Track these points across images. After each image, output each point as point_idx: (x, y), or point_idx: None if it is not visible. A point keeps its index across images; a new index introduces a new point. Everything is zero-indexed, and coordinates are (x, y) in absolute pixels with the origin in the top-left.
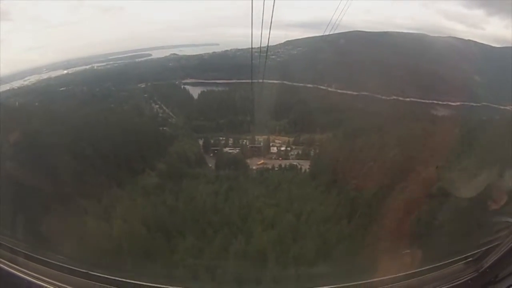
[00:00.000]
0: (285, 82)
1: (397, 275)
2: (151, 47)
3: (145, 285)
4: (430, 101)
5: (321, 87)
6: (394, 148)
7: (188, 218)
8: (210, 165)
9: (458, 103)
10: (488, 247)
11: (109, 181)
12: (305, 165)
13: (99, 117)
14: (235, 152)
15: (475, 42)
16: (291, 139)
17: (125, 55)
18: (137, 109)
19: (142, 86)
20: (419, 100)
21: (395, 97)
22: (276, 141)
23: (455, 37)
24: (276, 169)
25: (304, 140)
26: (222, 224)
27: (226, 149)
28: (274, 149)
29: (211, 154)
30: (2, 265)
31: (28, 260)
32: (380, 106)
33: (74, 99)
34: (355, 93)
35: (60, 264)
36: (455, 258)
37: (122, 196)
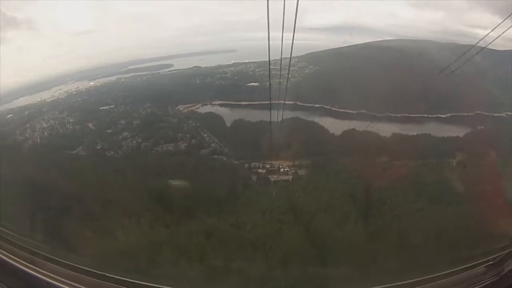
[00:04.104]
0: (297, 103)
1: (419, 279)
2: (171, 55)
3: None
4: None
5: (326, 106)
6: None
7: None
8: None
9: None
10: (509, 250)
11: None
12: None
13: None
14: (263, 172)
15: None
16: (296, 162)
17: (148, 64)
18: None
19: (183, 109)
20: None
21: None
22: (284, 164)
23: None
24: (285, 180)
25: (305, 163)
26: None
27: (258, 170)
28: (282, 170)
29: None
30: (20, 266)
31: (46, 261)
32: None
33: (116, 119)
34: (354, 112)
35: (77, 265)
36: (476, 262)
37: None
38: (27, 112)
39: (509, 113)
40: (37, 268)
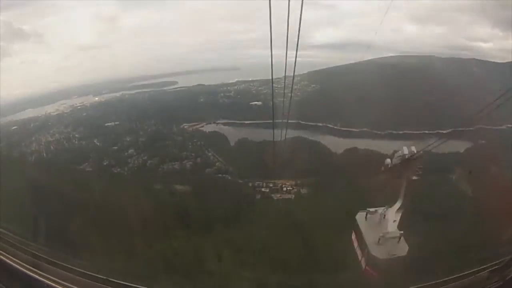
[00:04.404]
0: (300, 121)
1: (423, 284)
2: (175, 72)
3: None
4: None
5: (329, 125)
6: None
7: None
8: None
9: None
10: None
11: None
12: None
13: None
14: (267, 190)
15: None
16: (298, 181)
17: (152, 81)
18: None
19: (187, 127)
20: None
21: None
22: (286, 183)
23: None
24: (287, 198)
25: (307, 182)
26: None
27: (262, 189)
28: (285, 189)
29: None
30: (24, 270)
31: (50, 265)
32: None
33: (121, 136)
34: (356, 130)
35: (80, 269)
36: (481, 267)
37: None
38: (32, 125)
39: (510, 125)
40: (38, 271)
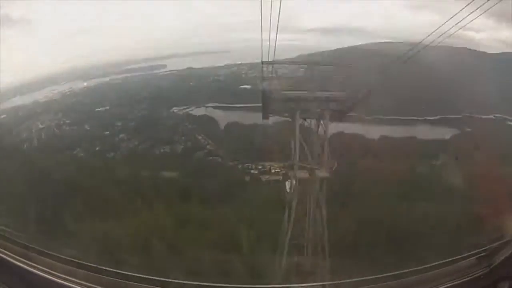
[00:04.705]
0: None
1: (411, 269)
2: (164, 55)
3: (152, 278)
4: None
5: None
6: None
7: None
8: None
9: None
10: (500, 242)
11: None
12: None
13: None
14: (255, 173)
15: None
16: (285, 163)
17: (141, 65)
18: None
19: (177, 111)
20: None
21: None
22: (275, 165)
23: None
24: (276, 180)
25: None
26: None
27: (251, 171)
28: (273, 170)
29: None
30: (15, 261)
31: (41, 255)
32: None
33: (112, 121)
34: None
35: (71, 259)
36: (468, 253)
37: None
38: (20, 113)
39: (498, 115)
40: (30, 262)
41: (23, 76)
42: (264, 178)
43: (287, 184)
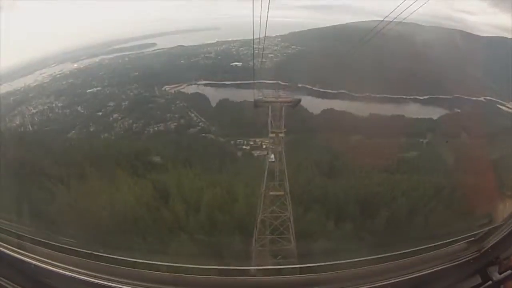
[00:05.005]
0: (280, 82)
1: (399, 252)
2: (154, 33)
3: (147, 262)
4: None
5: (308, 86)
6: None
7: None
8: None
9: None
10: (490, 227)
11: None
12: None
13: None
14: (247, 148)
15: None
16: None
17: (131, 43)
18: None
19: (169, 89)
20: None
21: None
22: (265, 141)
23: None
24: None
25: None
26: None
27: (243, 146)
28: (264, 146)
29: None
30: (9, 252)
31: (35, 244)
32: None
33: (105, 101)
34: (334, 91)
35: (65, 246)
36: (457, 237)
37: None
38: (12, 99)
39: (488, 97)
40: (23, 252)
41: (11, 61)
42: (256, 153)
43: (271, 154)
